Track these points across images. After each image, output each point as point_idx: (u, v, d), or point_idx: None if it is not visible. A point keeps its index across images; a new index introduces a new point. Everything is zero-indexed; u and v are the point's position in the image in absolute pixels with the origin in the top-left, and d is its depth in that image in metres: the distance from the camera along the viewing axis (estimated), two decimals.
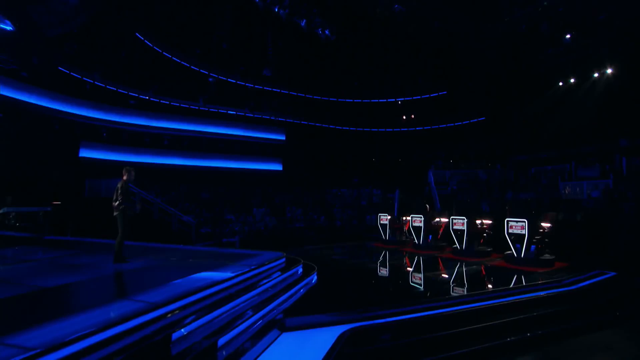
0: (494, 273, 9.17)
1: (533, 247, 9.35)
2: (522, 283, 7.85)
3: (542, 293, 7.00)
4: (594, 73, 19.56)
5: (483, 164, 23.65)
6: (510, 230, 9.66)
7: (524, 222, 9.22)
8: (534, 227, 9.32)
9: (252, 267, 6.70)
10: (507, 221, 9.72)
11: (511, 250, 9.76)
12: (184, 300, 4.54)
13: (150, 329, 3.93)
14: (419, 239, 13.26)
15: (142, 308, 4.10)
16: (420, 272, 9.87)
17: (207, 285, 5.15)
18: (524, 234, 9.25)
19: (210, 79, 23.45)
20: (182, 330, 4.10)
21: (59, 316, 3.92)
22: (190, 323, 4.24)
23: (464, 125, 27.35)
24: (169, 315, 4.21)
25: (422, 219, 13.15)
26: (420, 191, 23.76)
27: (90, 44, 19.36)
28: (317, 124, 28.25)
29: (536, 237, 9.31)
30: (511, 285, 7.72)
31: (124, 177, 7.30)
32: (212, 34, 22.44)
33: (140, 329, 3.85)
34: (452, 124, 27.81)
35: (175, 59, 22.67)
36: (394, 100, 28.31)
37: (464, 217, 11.46)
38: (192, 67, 23.32)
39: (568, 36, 18.16)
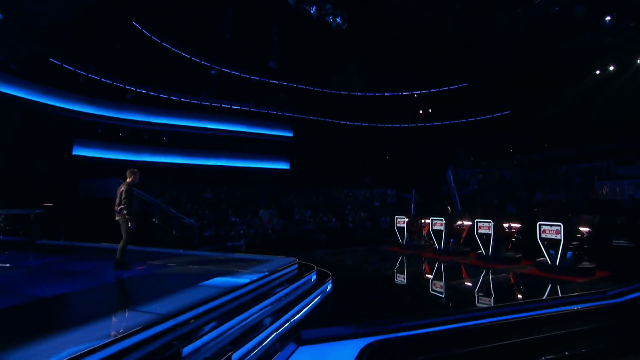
0: (526, 282, 8.98)
1: (569, 253, 9.16)
2: (559, 294, 7.65)
3: (583, 306, 6.81)
4: (637, 59, 19.02)
5: (507, 162, 23.41)
6: (543, 235, 9.43)
7: (559, 226, 9.01)
8: (569, 232, 9.12)
9: (265, 273, 6.64)
10: (540, 225, 9.50)
11: (544, 256, 9.56)
12: (195, 311, 4.47)
13: (158, 343, 3.87)
14: (439, 244, 13.08)
15: (149, 320, 4.03)
16: (443, 280, 9.71)
17: (219, 294, 5.08)
18: (560, 239, 9.05)
19: (213, 72, 23.46)
20: (194, 344, 4.01)
21: (58, 330, 3.86)
22: (202, 336, 4.16)
23: (487, 119, 27.11)
24: (180, 327, 4.14)
25: (443, 221, 12.96)
26: (438, 191, 23.61)
27: (84, 34, 19.40)
28: (327, 120, 28.16)
29: (573, 243, 9.12)
30: (545, 296, 7.56)
31: (128, 180, 7.22)
32: (214, 23, 22.41)
33: (148, 343, 3.79)
34: (473, 119, 27.56)
35: (175, 50, 22.67)
36: (409, 93, 28.12)
37: (490, 220, 11.26)
38: (193, 58, 23.31)
39: (608, 18, 17.52)
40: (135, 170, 7.34)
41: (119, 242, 7.14)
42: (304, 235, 18.35)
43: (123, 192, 7.05)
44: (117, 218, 7.08)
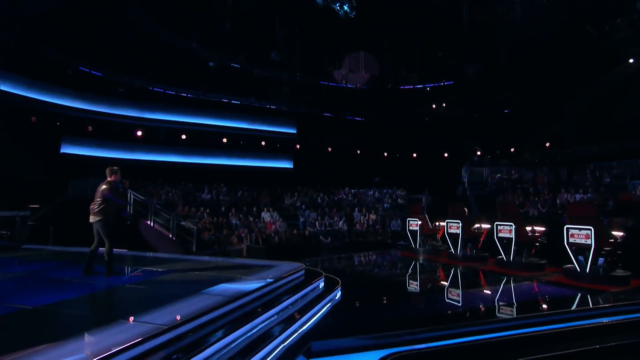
0: (552, 291, 8.87)
1: (601, 260, 9.03)
2: (590, 305, 7.54)
3: (618, 318, 6.68)
4: None
5: (528, 160, 23.25)
6: (571, 240, 9.29)
7: (590, 229, 8.85)
8: (601, 236, 8.99)
9: (270, 280, 6.60)
10: (567, 228, 9.37)
11: (572, 263, 9.41)
12: (198, 321, 4.42)
13: (158, 356, 3.81)
14: (455, 248, 13.01)
15: (148, 331, 3.95)
16: (461, 288, 9.64)
17: (223, 303, 5.04)
18: (590, 244, 8.89)
19: (211, 64, 23.38)
20: (196, 357, 3.94)
21: (46, 343, 3.78)
22: (205, 348, 4.09)
23: (506, 114, 26.90)
24: (181, 339, 4.08)
25: (460, 224, 12.88)
26: (452, 192, 23.54)
27: (73, 23, 19.32)
28: (333, 115, 28.05)
29: (605, 248, 8.98)
30: (575, 307, 7.46)
31: (111, 178, 7.13)
32: (212, 12, 22.32)
33: (147, 357, 3.73)
34: (491, 114, 27.34)
35: (171, 41, 22.59)
36: (421, 86, 27.98)
37: (511, 223, 11.15)
38: (190, 50, 23.24)
39: None
40: (117, 168, 7.27)
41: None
42: (309, 239, 18.35)
43: (109, 189, 6.94)
44: (93, 220, 6.95)
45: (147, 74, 22.43)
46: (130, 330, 4.11)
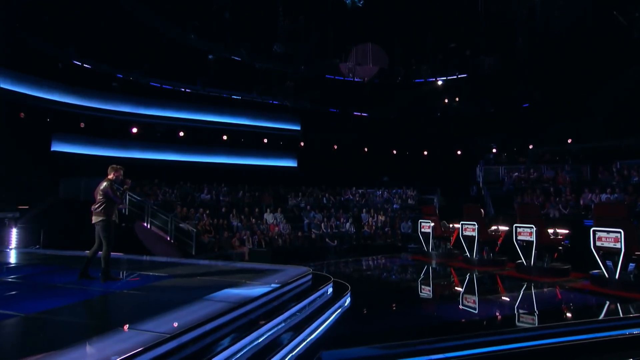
0: (578, 298, 8.84)
1: (632, 265, 8.90)
2: (620, 314, 7.49)
3: None
4: None
5: (548, 158, 23.10)
6: (598, 243, 9.18)
7: (619, 232, 8.73)
8: (632, 239, 8.82)
9: (276, 285, 6.59)
10: (594, 231, 9.26)
11: (600, 269, 9.31)
12: (202, 329, 4.40)
13: None
14: (471, 252, 12.99)
15: (149, 340, 3.92)
16: (478, 295, 9.60)
17: (229, 309, 5.03)
18: (619, 248, 8.74)
19: (211, 57, 23.38)
20: None
21: (40, 353, 3.75)
22: (211, 358, 4.06)
23: (524, 109, 26.75)
24: (185, 348, 4.06)
25: (476, 226, 12.83)
26: (466, 192, 23.48)
27: (64, 12, 19.32)
28: (339, 111, 28.00)
29: (636, 253, 8.82)
30: (603, 316, 7.44)
31: (110, 176, 7.12)
32: (212, 1, 22.31)
33: None
34: (508, 108, 27.20)
35: (167, 32, 22.58)
36: (433, 79, 27.89)
37: (531, 225, 11.08)
38: (189, 42, 23.23)
39: None
40: (119, 167, 7.27)
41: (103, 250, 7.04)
42: (314, 242, 18.38)
43: (107, 188, 6.93)
44: (95, 220, 6.95)
45: (143, 68, 22.40)
46: (130, 339, 4.08)
